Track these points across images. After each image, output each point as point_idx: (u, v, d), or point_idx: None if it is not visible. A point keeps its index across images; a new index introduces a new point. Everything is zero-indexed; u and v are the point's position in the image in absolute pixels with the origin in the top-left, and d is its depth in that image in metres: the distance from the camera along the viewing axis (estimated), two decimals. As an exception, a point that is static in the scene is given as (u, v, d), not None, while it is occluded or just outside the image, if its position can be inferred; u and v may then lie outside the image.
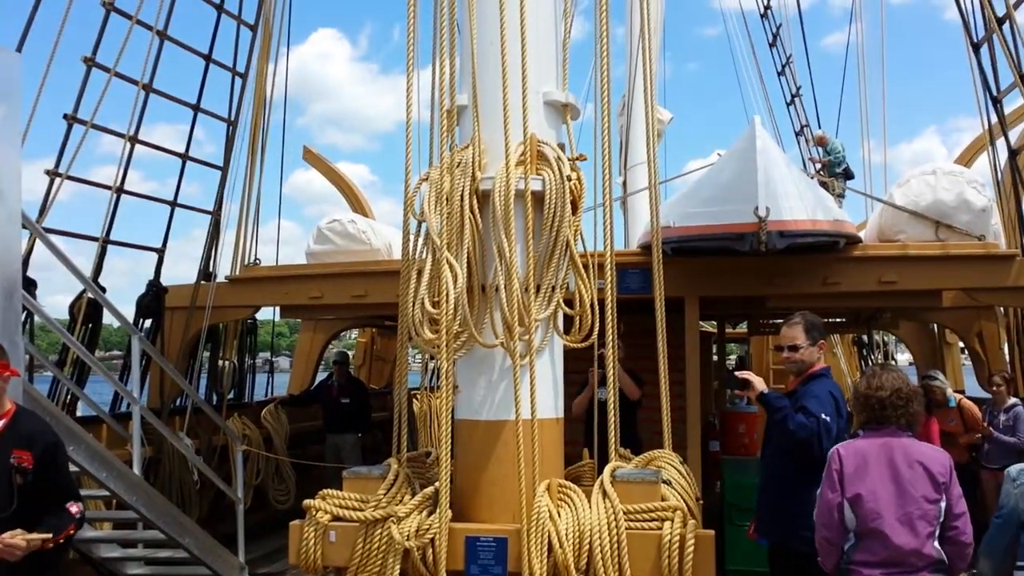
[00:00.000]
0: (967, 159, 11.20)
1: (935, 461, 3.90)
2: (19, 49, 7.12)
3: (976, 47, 8.34)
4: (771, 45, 18.48)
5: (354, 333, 16.58)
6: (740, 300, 8.54)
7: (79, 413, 8.01)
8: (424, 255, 4.45)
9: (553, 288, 4.47)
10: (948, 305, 8.60)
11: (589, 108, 5.99)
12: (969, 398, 9.33)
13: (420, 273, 4.40)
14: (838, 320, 12.22)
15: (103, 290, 7.95)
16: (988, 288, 7.42)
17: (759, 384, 4.72)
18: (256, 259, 9.55)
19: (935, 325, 12.41)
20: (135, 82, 8.44)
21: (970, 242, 7.27)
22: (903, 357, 18.34)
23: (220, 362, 10.27)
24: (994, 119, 8.72)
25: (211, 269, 9.36)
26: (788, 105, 18.27)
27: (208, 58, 9.16)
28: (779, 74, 18.43)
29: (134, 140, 8.48)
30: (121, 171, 8.40)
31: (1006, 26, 7.88)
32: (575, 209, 4.55)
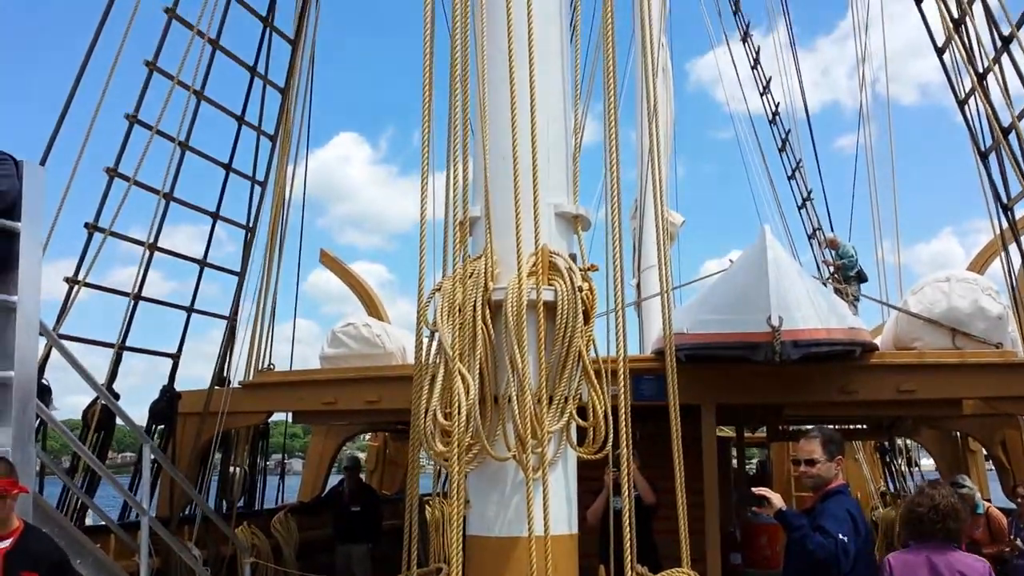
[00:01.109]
0: (980, 265, 11.21)
1: (974, 571, 4.24)
2: (43, 161, 7.31)
3: (984, 156, 8.43)
4: (781, 150, 18.80)
5: (367, 435, 16.47)
6: (757, 408, 8.45)
7: (88, 521, 7.93)
8: (437, 364, 4.44)
9: (566, 399, 4.44)
10: (969, 413, 8.47)
11: (603, 210, 6.08)
12: (997, 508, 9.09)
13: (432, 383, 4.38)
14: (859, 427, 12.03)
15: (117, 397, 7.96)
16: (1008, 397, 7.32)
17: (777, 501, 4.65)
18: (270, 364, 9.57)
19: (957, 432, 12.20)
20: (156, 191, 8.63)
21: (988, 350, 7.20)
22: (927, 462, 18.03)
23: (231, 468, 10.17)
24: (1005, 225, 8.75)
25: (225, 374, 9.38)
26: (800, 208, 18.46)
27: (228, 167, 9.39)
28: (789, 178, 18.69)
29: (153, 247, 8.62)
30: (139, 278, 8.51)
31: (1012, 135, 7.97)
32: (587, 319, 4.56)
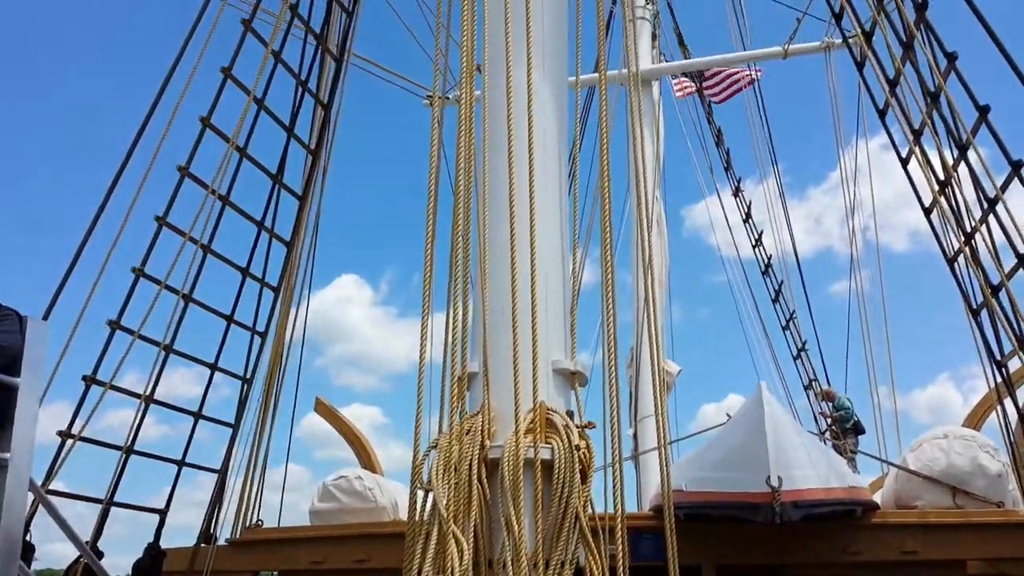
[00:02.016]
0: (977, 420, 11.14)
1: None
2: (46, 315, 7.38)
3: (975, 312, 8.53)
4: (774, 301, 19.06)
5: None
6: (759, 568, 8.24)
7: None
8: (431, 523, 4.36)
9: (563, 564, 4.33)
10: (974, 573, 8.26)
11: (599, 353, 6.09)
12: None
13: (425, 546, 4.29)
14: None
15: (100, 555, 7.74)
16: (1013, 558, 7.15)
17: None
18: (259, 520, 9.35)
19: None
20: (156, 343, 8.66)
21: (990, 509, 7.10)
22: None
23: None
24: (1000, 380, 8.74)
25: (212, 531, 9.14)
26: (795, 359, 18.55)
27: (230, 319, 9.46)
28: (784, 329, 18.88)
29: (149, 400, 8.58)
30: (132, 431, 8.41)
31: (1003, 292, 8.07)
32: (584, 478, 4.51)
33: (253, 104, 8.75)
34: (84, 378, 8.11)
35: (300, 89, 9.34)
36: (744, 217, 19.54)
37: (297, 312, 10.13)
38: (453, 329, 4.67)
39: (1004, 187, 7.72)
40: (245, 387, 9.33)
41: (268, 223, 9.72)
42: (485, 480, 4.41)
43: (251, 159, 8.97)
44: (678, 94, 17.82)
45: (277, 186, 9.61)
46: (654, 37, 16.30)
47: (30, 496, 5.36)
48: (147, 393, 8.51)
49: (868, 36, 7.63)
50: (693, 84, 17.41)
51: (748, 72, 16.72)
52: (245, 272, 9.56)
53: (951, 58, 6.89)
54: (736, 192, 19.74)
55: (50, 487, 7.48)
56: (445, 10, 5.24)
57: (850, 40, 9.00)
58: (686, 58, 18.18)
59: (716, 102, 17.72)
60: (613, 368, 4.76)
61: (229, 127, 9.14)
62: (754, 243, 19.38)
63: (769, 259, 19.11)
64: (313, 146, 9.71)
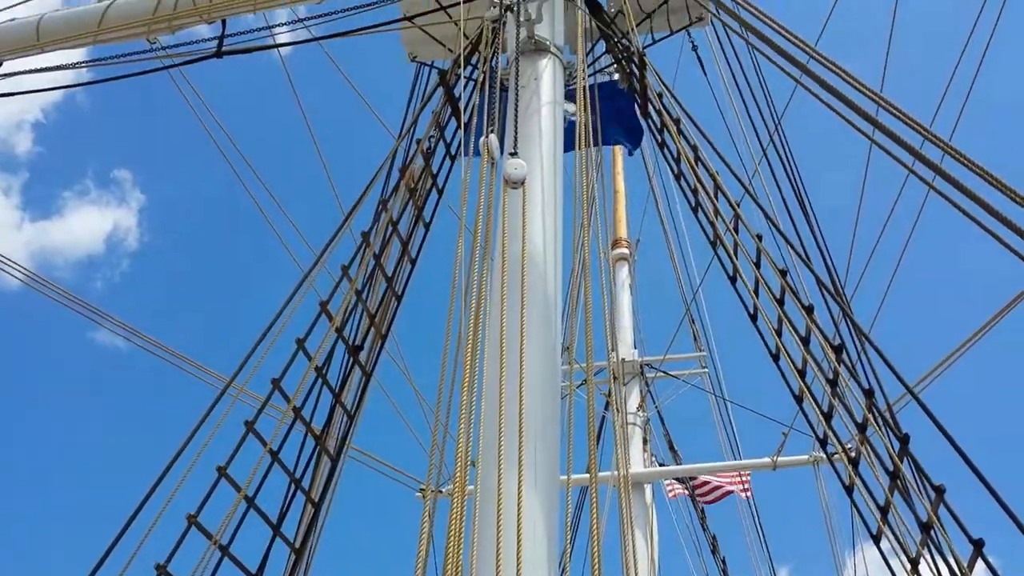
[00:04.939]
0: None
1: None
2: None
3: None
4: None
5: None
6: None
7: None
8: None
9: None
10: None
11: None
12: None
13: None
14: None
15: None
16: None
17: None
18: None
19: None
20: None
21: None
22: None
23: None
24: None
25: None
26: None
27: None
28: None
29: None
30: None
31: None
32: None
33: (243, 501, 8.75)
34: None
35: (293, 486, 9.38)
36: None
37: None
38: None
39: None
40: None
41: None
42: None
43: (232, 558, 8.80)
44: (670, 495, 17.81)
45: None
46: (645, 442, 16.64)
47: None
48: None
49: (854, 461, 7.82)
50: (685, 489, 17.47)
51: (739, 480, 16.82)
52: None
53: (939, 491, 6.98)
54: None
55: None
56: (444, 412, 5.45)
57: (834, 459, 9.22)
58: (677, 463, 18.35)
59: (707, 503, 17.66)
60: None
61: (214, 521, 9.02)
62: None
63: None
64: (298, 544, 9.54)
